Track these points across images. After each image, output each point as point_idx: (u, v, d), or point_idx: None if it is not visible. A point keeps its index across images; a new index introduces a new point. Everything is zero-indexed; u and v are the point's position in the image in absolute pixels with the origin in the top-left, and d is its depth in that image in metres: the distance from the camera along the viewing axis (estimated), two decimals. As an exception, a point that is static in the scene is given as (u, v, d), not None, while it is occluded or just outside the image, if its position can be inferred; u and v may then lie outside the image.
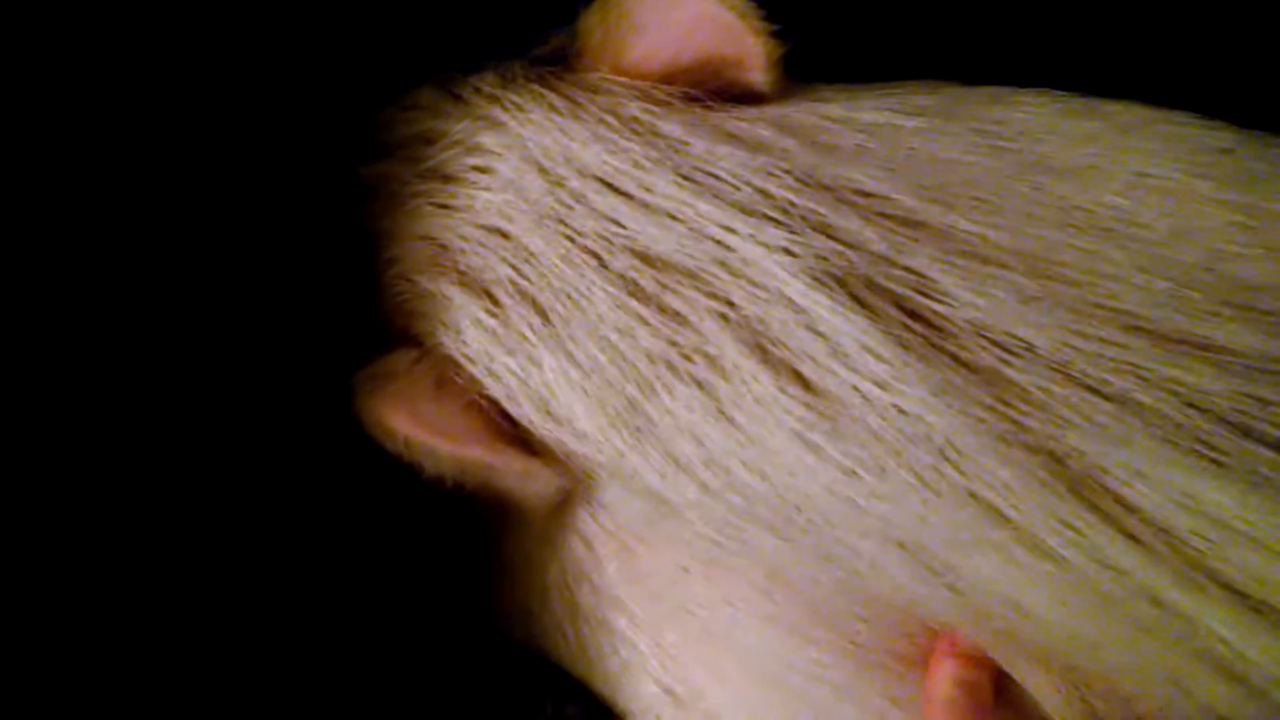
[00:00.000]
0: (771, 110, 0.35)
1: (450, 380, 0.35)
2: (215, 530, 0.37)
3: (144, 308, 0.37)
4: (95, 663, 0.34)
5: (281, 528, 0.39)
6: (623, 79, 0.36)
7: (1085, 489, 0.29)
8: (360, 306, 0.39)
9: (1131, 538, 0.29)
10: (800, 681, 0.33)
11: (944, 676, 0.31)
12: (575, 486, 0.35)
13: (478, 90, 0.37)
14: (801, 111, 0.35)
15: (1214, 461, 0.29)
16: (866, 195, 0.32)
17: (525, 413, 0.34)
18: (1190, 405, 0.29)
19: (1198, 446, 0.29)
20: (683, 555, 0.34)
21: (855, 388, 0.30)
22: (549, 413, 0.33)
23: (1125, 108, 0.36)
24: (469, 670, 0.40)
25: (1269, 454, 0.29)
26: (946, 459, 0.29)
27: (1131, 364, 0.30)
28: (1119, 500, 0.29)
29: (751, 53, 0.35)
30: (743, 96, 0.36)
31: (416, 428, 0.33)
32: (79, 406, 0.35)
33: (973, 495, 0.29)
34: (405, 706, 0.39)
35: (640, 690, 0.36)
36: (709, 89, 0.36)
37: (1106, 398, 0.29)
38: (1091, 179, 0.33)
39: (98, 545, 0.34)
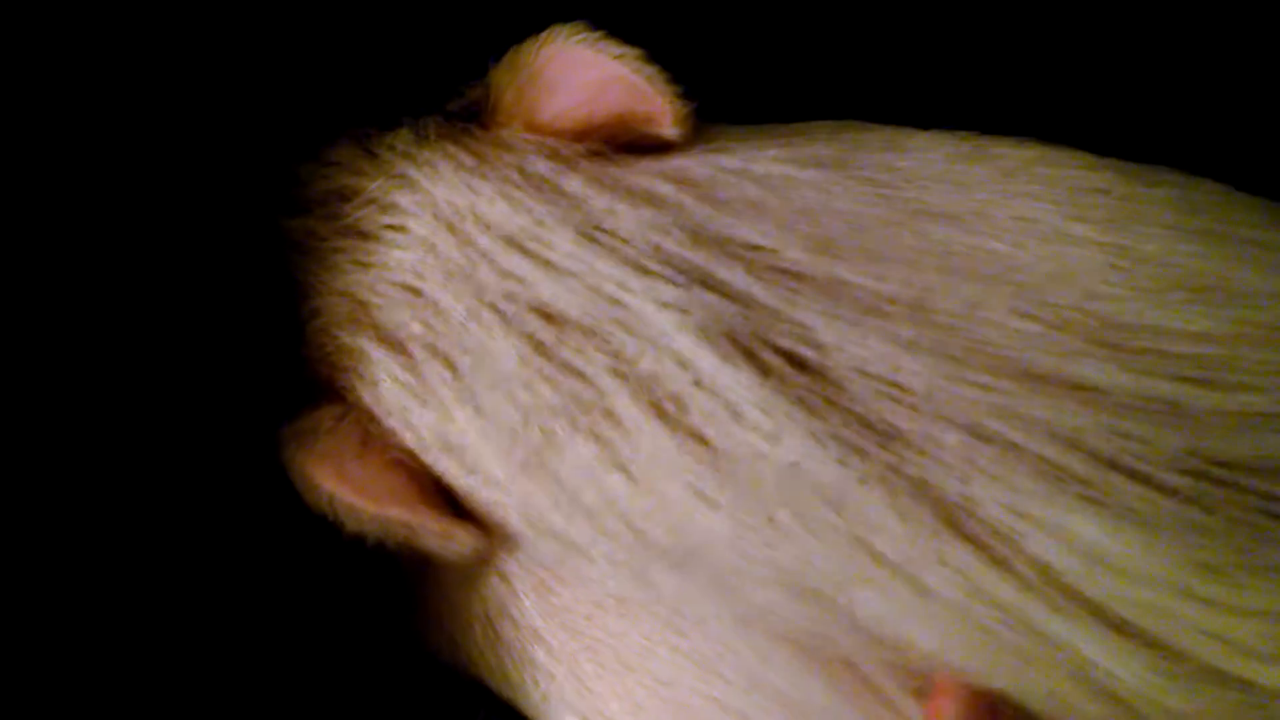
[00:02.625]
0: (672, 163, 0.37)
1: (373, 436, 0.36)
2: (140, 564, 0.38)
3: (71, 354, 0.38)
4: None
5: (211, 555, 0.40)
6: (532, 136, 0.37)
7: (963, 527, 0.30)
8: (290, 356, 0.40)
9: (1008, 571, 0.30)
10: (710, 713, 0.34)
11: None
12: (493, 529, 0.36)
13: (392, 148, 0.38)
14: (700, 164, 0.36)
15: (1086, 497, 0.30)
16: (756, 249, 0.34)
17: (440, 462, 0.35)
18: (1062, 443, 0.31)
19: (1070, 483, 0.30)
20: (596, 591, 0.36)
21: (744, 441, 0.31)
22: (462, 462, 0.35)
23: (1013, 148, 0.37)
24: (403, 681, 0.41)
25: (1136, 488, 0.30)
26: (830, 505, 0.31)
27: (1005, 405, 0.31)
28: (997, 536, 0.30)
29: (661, 111, 0.36)
30: (654, 147, 0.38)
31: (341, 486, 0.34)
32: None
33: (855, 538, 0.30)
34: (343, 716, 0.40)
35: None
36: (620, 141, 0.37)
37: (983, 438, 0.31)
38: (973, 225, 0.34)
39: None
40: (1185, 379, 0.32)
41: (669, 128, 0.36)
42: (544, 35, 0.36)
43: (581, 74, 0.36)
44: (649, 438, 0.32)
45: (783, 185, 0.35)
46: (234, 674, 0.39)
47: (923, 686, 0.32)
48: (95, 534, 0.37)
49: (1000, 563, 0.30)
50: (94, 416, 0.38)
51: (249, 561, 0.40)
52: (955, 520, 0.30)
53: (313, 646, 0.41)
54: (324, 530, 0.36)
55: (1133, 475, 0.31)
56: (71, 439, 0.37)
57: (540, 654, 0.37)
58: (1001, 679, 0.31)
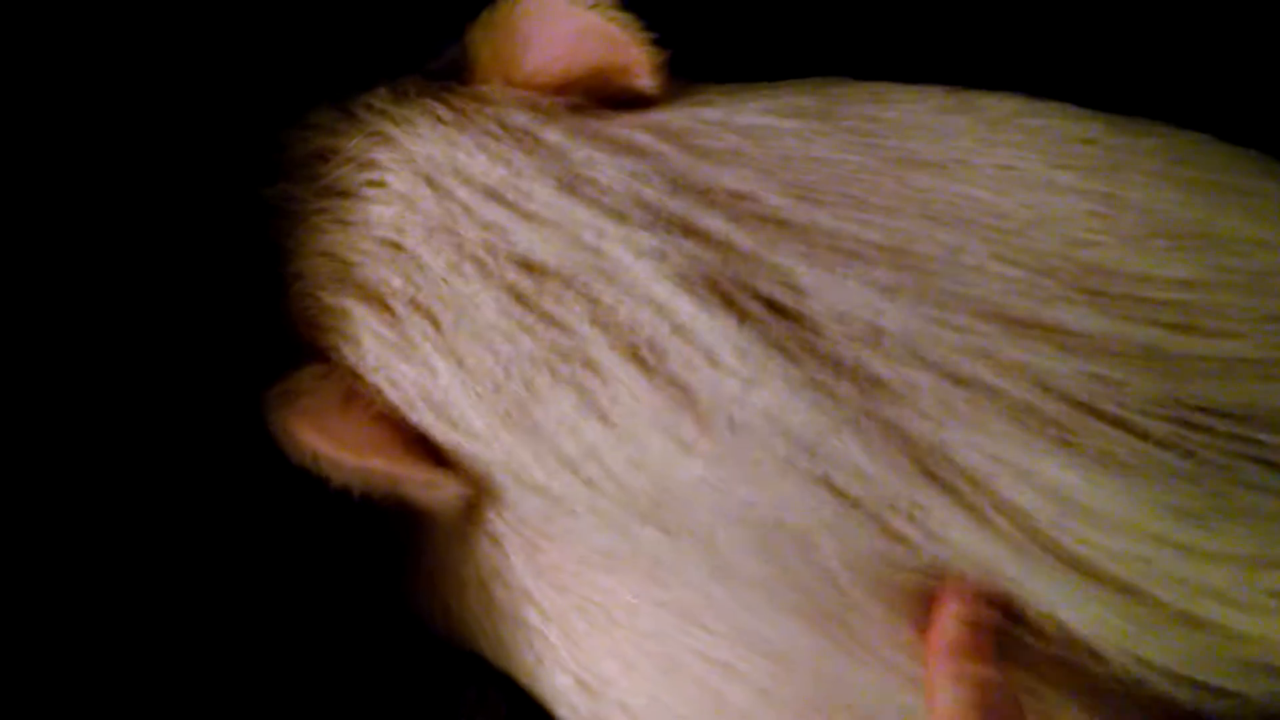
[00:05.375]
0: (653, 115, 0.36)
1: (356, 393, 0.36)
2: (133, 535, 0.38)
3: (56, 325, 0.38)
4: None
5: (202, 530, 0.40)
6: (511, 90, 0.37)
7: (937, 472, 0.30)
8: (274, 322, 0.40)
9: (980, 518, 0.30)
10: (697, 666, 0.34)
11: (950, 617, 0.30)
12: (479, 487, 0.36)
13: (369, 106, 0.38)
14: (681, 116, 0.36)
15: (1062, 441, 0.30)
16: (736, 196, 0.34)
17: (424, 418, 0.35)
18: (1040, 387, 0.31)
19: (1047, 427, 0.30)
20: (582, 547, 0.35)
21: (721, 387, 0.31)
22: (446, 417, 0.35)
23: (998, 101, 0.37)
24: (393, 655, 0.41)
25: (1114, 432, 0.30)
26: (804, 450, 0.30)
27: (984, 349, 0.31)
28: (970, 481, 0.30)
29: (636, 61, 0.36)
30: (634, 101, 0.38)
31: (323, 442, 0.34)
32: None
33: (828, 484, 0.30)
34: (331, 694, 0.40)
35: (555, 681, 0.37)
36: (601, 96, 0.37)
37: (960, 382, 0.31)
38: (957, 173, 0.34)
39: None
40: (1165, 324, 0.31)
41: (644, 78, 0.36)
42: None
43: (557, 25, 0.36)
44: (627, 385, 0.32)
45: (764, 135, 0.35)
46: (223, 643, 0.39)
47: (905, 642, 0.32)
48: (81, 500, 0.37)
49: (973, 509, 0.30)
50: (79, 387, 0.38)
51: (241, 534, 0.40)
52: (929, 465, 0.30)
53: (303, 622, 0.41)
54: (318, 501, 0.36)
55: (1110, 420, 0.30)
56: (57, 408, 0.37)
57: (532, 615, 0.37)
58: None
